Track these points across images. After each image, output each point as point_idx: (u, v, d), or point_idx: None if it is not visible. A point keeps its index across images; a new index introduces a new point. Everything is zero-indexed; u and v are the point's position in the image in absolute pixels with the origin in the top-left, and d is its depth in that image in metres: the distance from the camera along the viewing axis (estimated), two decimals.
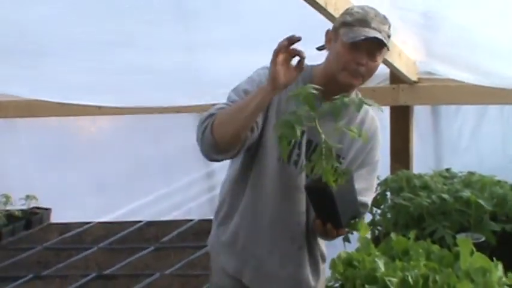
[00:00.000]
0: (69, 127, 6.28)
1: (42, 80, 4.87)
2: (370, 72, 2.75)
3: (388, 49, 2.74)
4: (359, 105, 2.45)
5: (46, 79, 4.82)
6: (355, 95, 2.87)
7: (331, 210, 2.57)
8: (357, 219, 2.71)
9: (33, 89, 5.25)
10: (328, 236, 2.72)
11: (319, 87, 2.48)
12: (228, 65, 4.19)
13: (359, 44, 2.66)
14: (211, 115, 2.68)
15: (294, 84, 2.73)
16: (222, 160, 2.78)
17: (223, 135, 2.62)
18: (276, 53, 2.50)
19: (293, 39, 2.47)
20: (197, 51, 4.27)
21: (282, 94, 2.73)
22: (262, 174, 2.84)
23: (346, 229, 2.72)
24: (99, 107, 5.59)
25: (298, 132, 2.39)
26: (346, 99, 2.43)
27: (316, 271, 2.99)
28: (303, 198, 2.84)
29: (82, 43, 4.00)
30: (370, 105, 2.46)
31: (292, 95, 2.48)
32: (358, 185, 2.77)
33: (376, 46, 2.69)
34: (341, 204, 2.56)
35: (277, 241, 2.91)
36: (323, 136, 2.45)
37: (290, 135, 2.40)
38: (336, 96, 2.46)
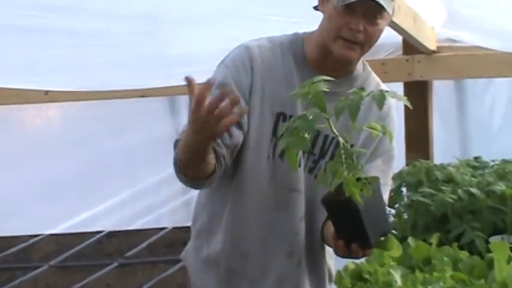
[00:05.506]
0: (9, 118, 6.24)
1: None
2: (371, 40, 2.69)
3: (387, 11, 2.66)
4: (381, 100, 2.33)
5: None
6: (362, 69, 2.82)
7: (356, 227, 2.53)
8: (387, 236, 2.64)
9: None
10: (353, 257, 2.66)
11: (330, 78, 2.39)
12: (200, 36, 4.15)
13: (353, 6, 2.60)
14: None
15: (281, 60, 2.69)
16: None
17: (195, 176, 2.65)
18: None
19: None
20: (162, 19, 4.23)
21: (264, 77, 2.71)
22: (248, 175, 2.80)
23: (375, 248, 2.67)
24: (46, 92, 5.53)
25: (308, 140, 2.32)
26: (364, 94, 2.32)
27: None
28: (301, 201, 2.81)
29: (16, 9, 3.95)
30: (396, 98, 2.41)
31: (296, 94, 2.38)
32: None
33: (375, 7, 2.63)
34: (368, 220, 2.51)
35: (271, 257, 2.86)
36: (341, 139, 2.36)
37: (299, 146, 2.35)
38: (351, 90, 2.37)
